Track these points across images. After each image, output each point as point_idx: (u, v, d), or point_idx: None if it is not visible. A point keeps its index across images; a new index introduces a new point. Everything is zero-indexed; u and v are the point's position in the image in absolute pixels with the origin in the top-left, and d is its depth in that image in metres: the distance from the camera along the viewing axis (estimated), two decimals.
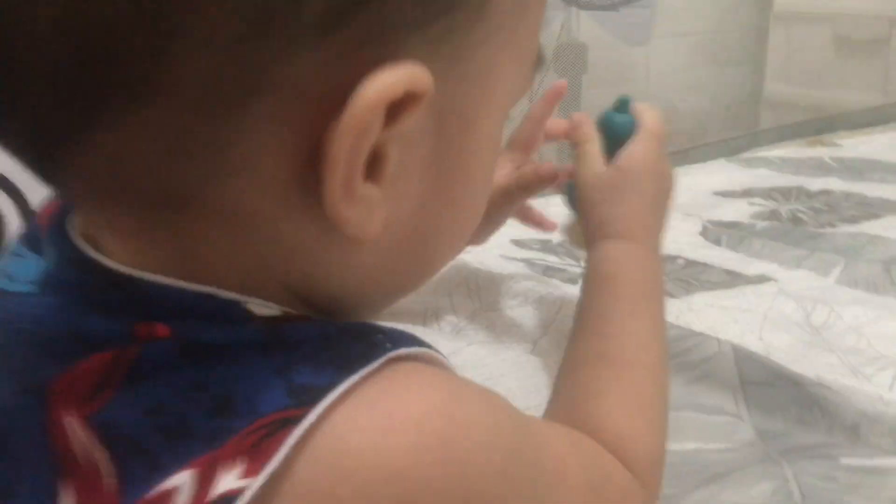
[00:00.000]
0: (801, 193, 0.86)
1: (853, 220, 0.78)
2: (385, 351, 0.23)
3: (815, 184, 0.89)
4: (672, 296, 0.61)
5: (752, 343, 0.53)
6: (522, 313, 0.55)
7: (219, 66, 0.20)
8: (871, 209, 0.81)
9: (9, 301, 0.27)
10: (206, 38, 0.20)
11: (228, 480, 0.21)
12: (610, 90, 2.06)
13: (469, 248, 0.56)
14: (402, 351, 0.24)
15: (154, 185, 0.23)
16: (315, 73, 0.22)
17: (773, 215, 0.80)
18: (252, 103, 0.21)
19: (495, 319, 0.54)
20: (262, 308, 0.25)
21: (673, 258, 0.69)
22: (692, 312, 0.58)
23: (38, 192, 0.29)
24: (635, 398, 0.37)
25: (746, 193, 0.87)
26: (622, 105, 0.48)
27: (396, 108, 0.22)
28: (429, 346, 0.26)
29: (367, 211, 0.24)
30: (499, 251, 0.69)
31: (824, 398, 0.45)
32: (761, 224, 0.78)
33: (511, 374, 0.47)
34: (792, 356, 0.51)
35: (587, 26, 1.76)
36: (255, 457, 0.21)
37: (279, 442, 0.21)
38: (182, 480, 0.21)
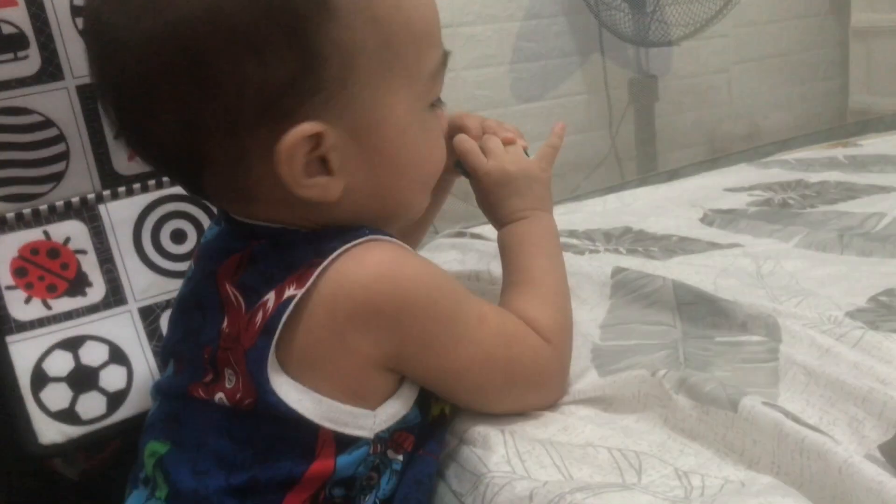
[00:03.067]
0: (798, 185, 1.04)
1: (832, 201, 0.96)
2: (366, 235, 0.50)
3: (816, 177, 1.07)
4: (655, 258, 0.82)
5: (707, 286, 0.74)
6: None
7: (229, 149, 0.48)
8: (852, 192, 0.98)
9: (206, 240, 0.57)
10: (221, 141, 0.48)
11: (289, 292, 0.48)
12: (690, 115, 2.27)
13: None
14: (377, 236, 0.51)
15: (240, 191, 0.51)
16: (265, 143, 0.47)
17: (766, 202, 0.99)
18: (248, 161, 0.49)
19: None
20: (304, 229, 0.52)
21: (669, 236, 0.90)
22: (665, 268, 0.78)
23: None
24: (541, 298, 0.60)
25: (751, 188, 1.05)
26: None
27: (317, 139, 0.48)
28: (398, 241, 0.52)
29: (321, 189, 0.50)
30: None
31: (728, 308, 0.65)
32: (753, 209, 0.97)
33: None
34: (733, 293, 0.71)
35: (655, 61, 1.96)
36: (300, 282, 0.48)
37: (311, 273, 0.48)
38: (270, 296, 0.49)
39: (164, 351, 0.61)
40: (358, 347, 0.49)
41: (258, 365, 0.47)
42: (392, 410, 0.51)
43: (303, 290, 0.47)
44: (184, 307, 0.57)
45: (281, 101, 0.46)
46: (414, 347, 0.51)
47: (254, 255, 0.51)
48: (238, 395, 0.48)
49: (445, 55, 0.53)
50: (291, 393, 0.48)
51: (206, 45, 0.44)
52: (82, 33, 0.67)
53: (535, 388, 0.57)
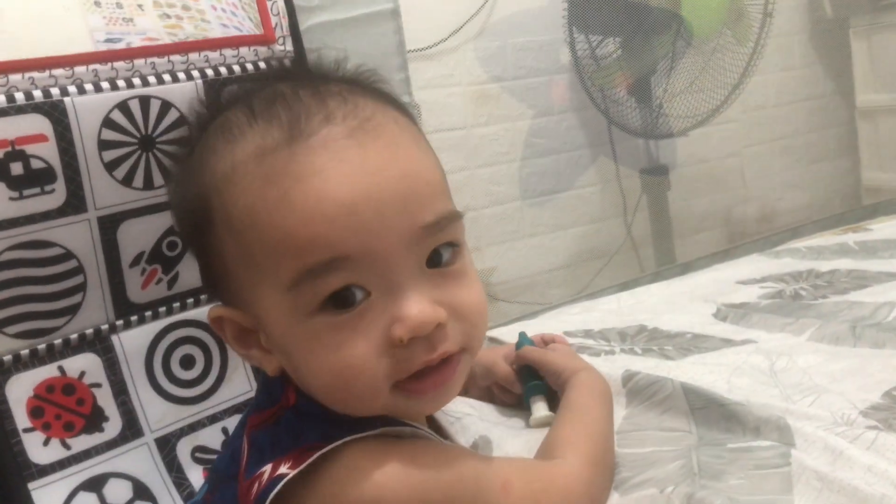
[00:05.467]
0: (810, 275, 1.05)
1: (843, 291, 0.97)
2: (377, 427, 0.50)
3: (827, 265, 1.08)
4: (671, 359, 0.83)
5: (720, 386, 0.74)
6: None
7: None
8: (863, 281, 0.99)
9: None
10: None
11: (282, 469, 0.48)
12: (703, 200, 2.29)
13: None
14: (391, 427, 0.51)
15: None
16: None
17: (778, 294, 1.00)
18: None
19: None
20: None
21: (683, 333, 0.91)
22: (679, 369, 0.79)
23: None
24: (587, 429, 0.63)
25: (763, 279, 1.07)
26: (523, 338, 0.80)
27: (219, 322, 0.55)
28: (409, 425, 0.52)
29: (257, 361, 0.54)
30: None
31: (739, 412, 0.65)
32: (765, 302, 0.98)
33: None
34: (745, 393, 0.72)
35: (665, 150, 2.00)
36: (297, 462, 0.48)
37: (309, 456, 0.48)
38: (267, 468, 0.49)
39: (210, 471, 0.65)
40: None
41: None
42: None
43: (294, 472, 0.47)
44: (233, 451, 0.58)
45: (209, 287, 0.58)
46: None
47: (278, 419, 0.53)
48: None
49: (326, 264, 0.47)
50: None
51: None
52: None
53: None
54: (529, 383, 0.75)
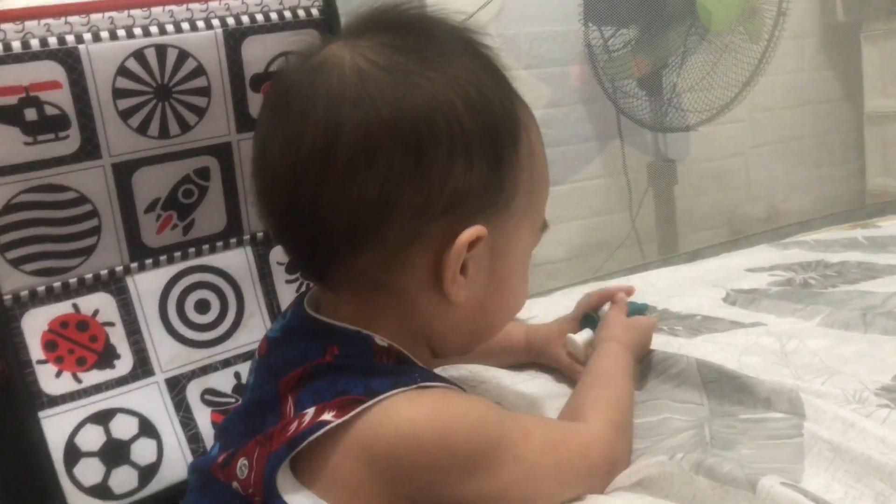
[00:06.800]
0: (819, 265, 1.05)
1: (853, 281, 0.97)
2: (416, 381, 0.52)
3: (836, 257, 1.08)
4: (680, 337, 0.83)
5: (731, 364, 0.74)
6: None
7: (405, 232, 0.53)
8: (873, 273, 0.99)
9: (270, 341, 0.61)
10: (404, 223, 0.54)
11: (326, 416, 0.50)
12: (709, 197, 2.29)
13: None
14: (426, 382, 0.53)
15: (370, 279, 0.55)
16: (439, 232, 0.54)
17: (787, 282, 1.00)
18: (413, 246, 0.53)
19: None
20: (381, 341, 0.55)
21: (693, 315, 0.91)
22: (691, 346, 0.79)
23: None
24: (605, 397, 0.64)
25: (772, 268, 1.07)
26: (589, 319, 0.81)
27: (473, 243, 0.54)
28: (444, 380, 0.55)
29: (459, 289, 0.55)
30: None
31: (751, 384, 0.66)
32: (775, 289, 0.98)
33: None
34: (757, 370, 0.72)
35: (673, 145, 2.01)
36: (341, 412, 0.50)
37: (353, 408, 0.49)
38: (310, 412, 0.50)
39: (219, 433, 0.63)
40: (383, 490, 0.50)
41: (272, 469, 0.49)
42: None
43: (339, 420, 0.49)
44: (250, 406, 0.59)
45: (468, 201, 0.53)
46: (451, 486, 0.52)
47: (314, 372, 0.53)
48: (249, 490, 0.51)
49: (545, 223, 0.62)
50: (298, 498, 0.50)
51: (429, 138, 0.51)
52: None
53: (585, 482, 0.58)
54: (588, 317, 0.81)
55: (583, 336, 0.76)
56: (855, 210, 1.38)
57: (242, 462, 0.52)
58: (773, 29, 1.78)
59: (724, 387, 0.68)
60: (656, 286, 1.06)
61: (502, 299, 0.60)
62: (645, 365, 0.74)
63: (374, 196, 0.51)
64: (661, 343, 0.79)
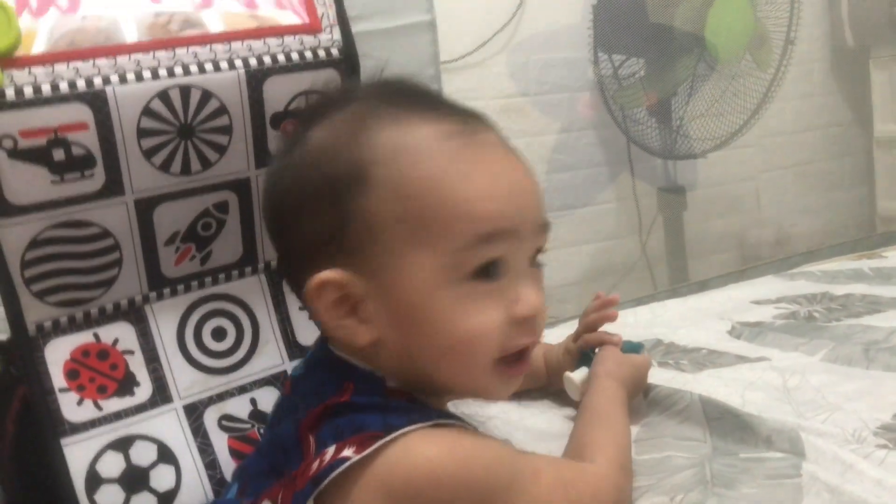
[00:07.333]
0: (824, 297, 1.07)
1: (857, 315, 0.98)
2: (431, 419, 0.54)
3: (842, 289, 1.09)
4: (685, 372, 0.85)
5: (734, 400, 0.76)
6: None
7: (300, 280, 0.58)
8: (877, 306, 1.00)
9: (294, 379, 0.64)
10: (298, 272, 0.59)
11: (346, 452, 0.52)
12: (719, 222, 2.30)
13: None
14: (443, 420, 0.55)
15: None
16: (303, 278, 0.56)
17: (792, 315, 1.02)
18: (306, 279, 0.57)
19: None
20: (391, 383, 0.58)
21: (698, 349, 0.93)
22: (696, 381, 0.81)
23: None
24: (611, 433, 0.66)
25: (778, 300, 1.08)
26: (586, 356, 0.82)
27: (320, 287, 0.55)
28: (458, 419, 0.57)
29: (348, 332, 0.57)
30: None
31: (753, 423, 0.68)
32: (779, 322, 0.99)
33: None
34: (759, 407, 0.74)
35: (683, 171, 2.03)
36: (361, 447, 0.52)
37: (371, 444, 0.51)
38: (331, 450, 0.52)
39: (238, 472, 0.66)
40: None
41: None
42: None
43: (358, 456, 0.51)
44: (272, 444, 0.61)
45: (324, 248, 0.57)
46: None
47: (334, 411, 0.55)
48: None
49: (493, 234, 0.55)
50: None
51: (285, 204, 0.60)
52: None
53: None
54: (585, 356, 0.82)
55: (579, 375, 0.78)
56: (862, 239, 1.39)
57: None
58: (782, 57, 1.80)
59: (727, 424, 0.69)
60: (663, 318, 1.08)
61: (421, 331, 0.56)
62: (650, 400, 0.76)
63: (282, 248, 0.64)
64: (666, 378, 0.80)
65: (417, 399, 0.58)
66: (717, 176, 2.27)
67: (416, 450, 0.52)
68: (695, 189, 2.12)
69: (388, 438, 0.52)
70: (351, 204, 0.55)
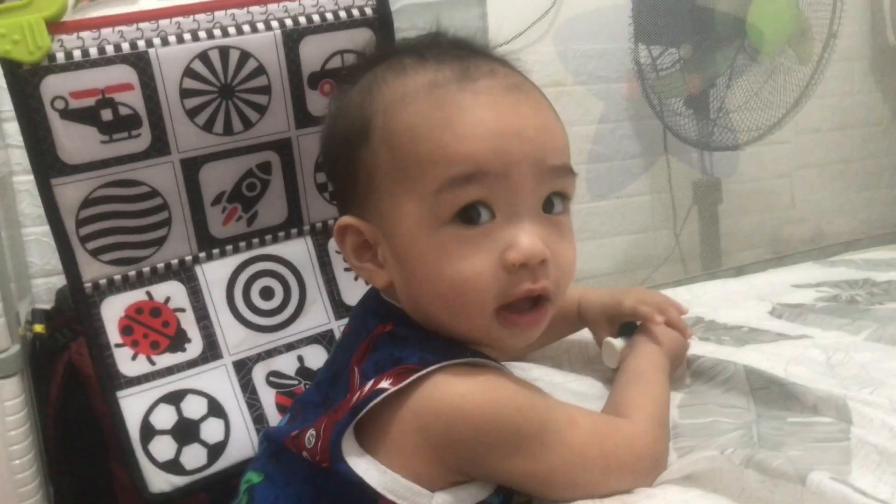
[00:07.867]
0: (866, 283, 1.07)
1: None
2: (467, 356, 0.56)
3: (884, 276, 1.09)
4: (727, 346, 0.85)
5: (778, 372, 0.76)
6: None
7: None
8: None
9: (350, 320, 0.67)
10: None
11: (384, 384, 0.54)
12: (753, 217, 2.29)
13: None
14: (478, 359, 0.56)
15: None
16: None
17: (833, 298, 1.01)
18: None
19: None
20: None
21: (739, 326, 0.93)
22: (738, 354, 0.81)
23: None
24: (647, 398, 0.66)
25: (819, 284, 1.08)
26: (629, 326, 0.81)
27: (342, 232, 0.62)
28: (494, 361, 0.58)
29: (367, 273, 0.61)
30: None
31: (799, 392, 0.68)
32: (821, 304, 0.99)
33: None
34: (804, 379, 0.74)
35: (719, 164, 2.02)
36: (397, 380, 0.54)
37: (408, 377, 0.53)
38: (371, 382, 0.54)
39: (294, 403, 0.68)
40: (435, 458, 0.54)
41: (337, 436, 0.54)
42: (452, 499, 0.55)
43: (395, 388, 0.53)
44: (328, 377, 0.64)
45: (347, 196, 0.63)
46: (497, 462, 0.55)
47: (376, 344, 0.58)
48: (317, 457, 0.55)
49: (468, 175, 0.55)
50: (361, 463, 0.54)
51: (325, 154, 0.69)
52: None
53: (631, 474, 0.59)
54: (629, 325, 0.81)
55: (620, 343, 0.79)
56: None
57: (311, 433, 0.56)
58: (823, 51, 1.78)
59: (772, 393, 0.70)
60: (702, 299, 1.08)
61: (416, 277, 0.57)
62: (693, 370, 0.77)
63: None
64: (709, 350, 0.81)
65: (455, 340, 0.59)
66: (753, 171, 2.26)
67: (448, 384, 0.54)
68: (730, 182, 2.11)
69: (423, 372, 0.53)
70: (357, 154, 0.59)
